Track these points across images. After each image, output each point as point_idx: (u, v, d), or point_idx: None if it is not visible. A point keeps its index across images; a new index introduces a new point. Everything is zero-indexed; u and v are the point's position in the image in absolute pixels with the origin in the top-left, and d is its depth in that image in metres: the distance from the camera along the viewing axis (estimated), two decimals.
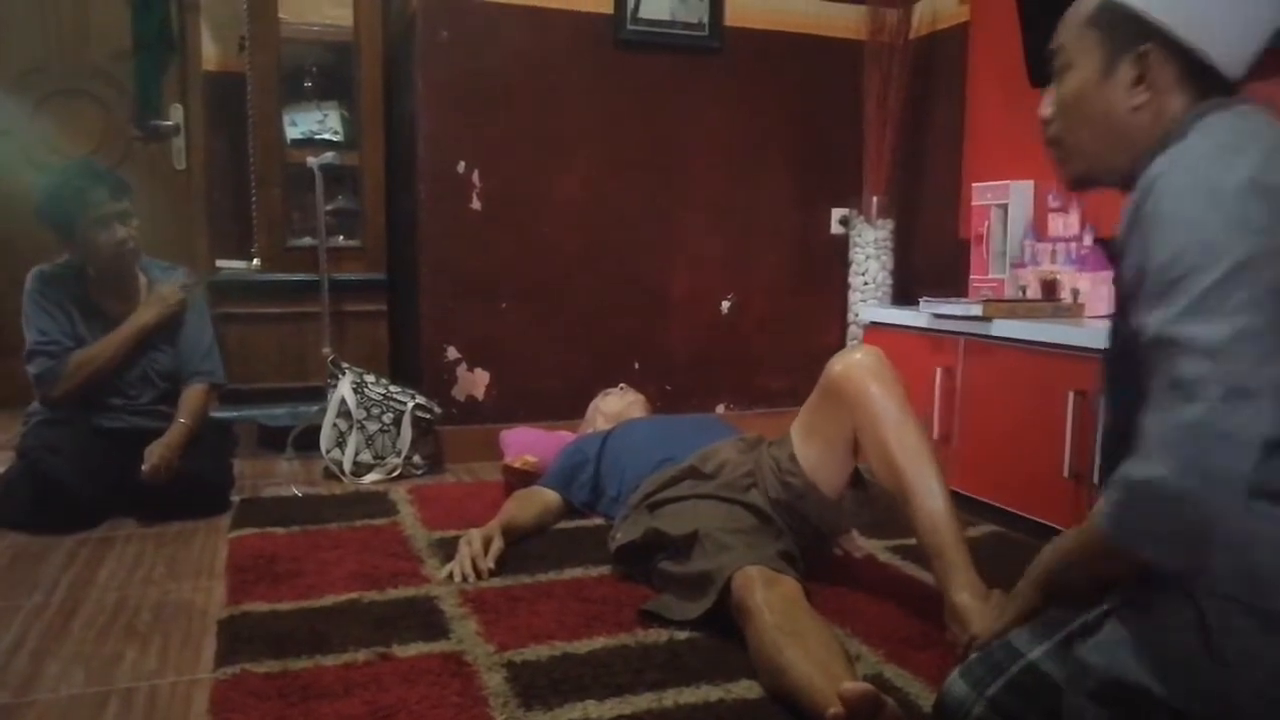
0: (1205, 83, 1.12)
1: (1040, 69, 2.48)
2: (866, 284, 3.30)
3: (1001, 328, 2.39)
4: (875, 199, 3.26)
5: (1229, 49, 1.11)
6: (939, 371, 2.58)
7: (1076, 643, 1.12)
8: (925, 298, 2.73)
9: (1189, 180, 1.01)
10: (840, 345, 3.38)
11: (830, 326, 3.47)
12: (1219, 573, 1.01)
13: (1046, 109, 1.24)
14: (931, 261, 3.33)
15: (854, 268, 3.34)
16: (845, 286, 3.38)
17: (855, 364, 1.79)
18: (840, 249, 3.43)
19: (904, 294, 3.31)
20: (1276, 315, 0.95)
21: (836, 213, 3.48)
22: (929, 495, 1.65)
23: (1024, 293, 2.69)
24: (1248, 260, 0.95)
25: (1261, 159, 1.00)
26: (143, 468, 2.36)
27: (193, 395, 2.57)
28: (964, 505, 2.46)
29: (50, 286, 2.46)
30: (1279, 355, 0.94)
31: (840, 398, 1.78)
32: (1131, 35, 1.13)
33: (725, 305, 3.40)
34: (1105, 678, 1.07)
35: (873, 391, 1.74)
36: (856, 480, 1.91)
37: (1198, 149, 1.04)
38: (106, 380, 2.47)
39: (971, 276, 2.87)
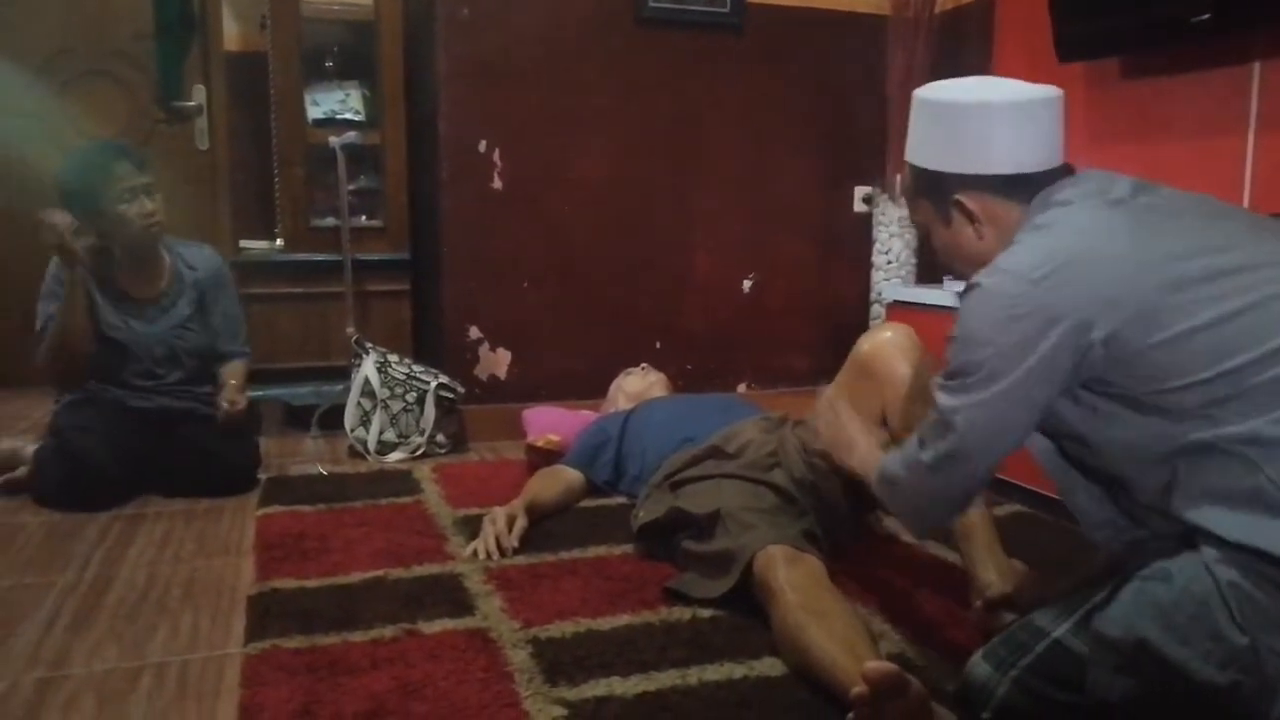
0: (1027, 188, 1.29)
1: (1068, 44, 2.45)
2: (890, 263, 3.28)
3: None
4: (899, 177, 3.22)
5: (1022, 158, 1.29)
6: None
7: (1096, 616, 1.15)
8: (949, 277, 2.71)
9: (973, 307, 1.24)
10: (863, 324, 3.36)
11: (853, 306, 3.45)
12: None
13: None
14: None
15: (877, 246, 3.32)
16: (868, 265, 3.36)
17: (885, 342, 1.78)
18: (864, 227, 3.41)
19: (928, 273, 3.28)
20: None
21: (860, 191, 3.45)
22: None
23: None
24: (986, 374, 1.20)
25: (1044, 275, 1.17)
26: (221, 409, 2.48)
27: (236, 367, 2.65)
28: (991, 485, 2.45)
29: None
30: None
31: (869, 376, 1.77)
32: (942, 190, 1.34)
33: (747, 284, 3.39)
34: (1126, 646, 1.09)
35: (902, 370, 1.73)
36: None
37: (985, 282, 1.22)
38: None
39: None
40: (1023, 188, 1.29)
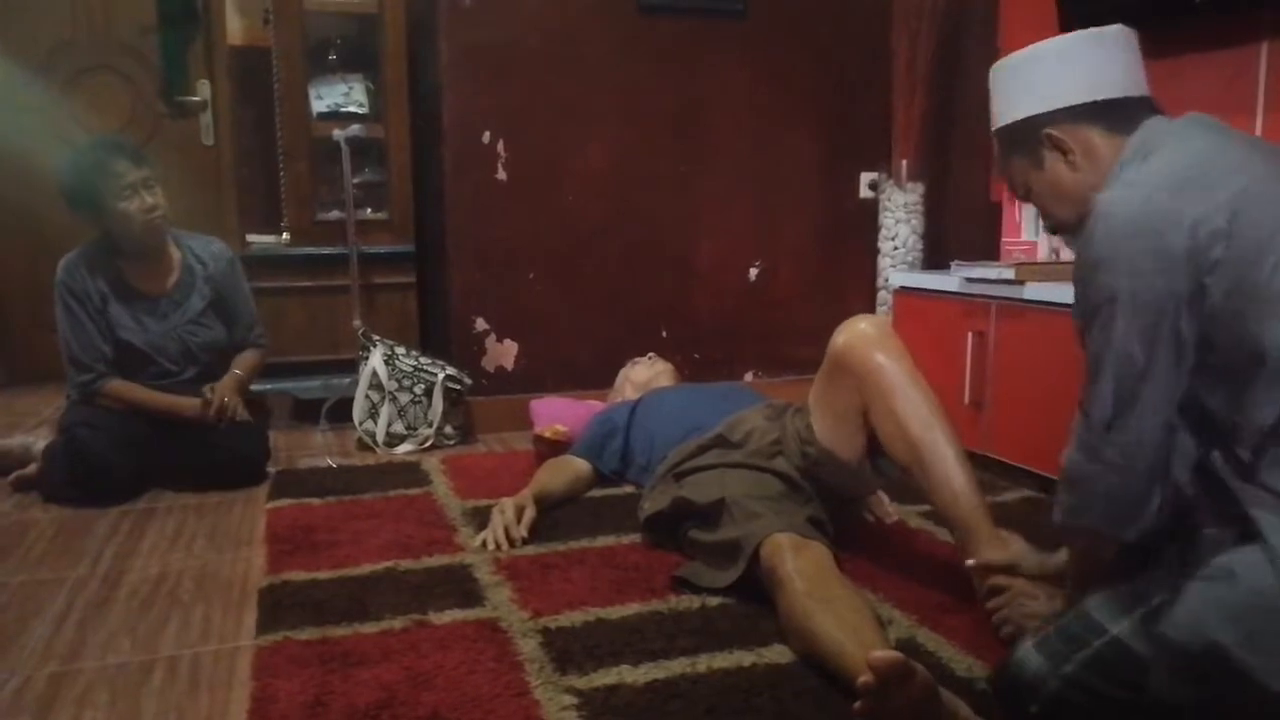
0: (1113, 115, 1.30)
1: (1073, 24, 2.43)
2: (896, 248, 3.27)
3: (1034, 291, 2.36)
4: (905, 162, 3.21)
5: (1102, 84, 1.31)
6: (971, 336, 2.56)
7: (1163, 619, 1.10)
8: (956, 261, 2.70)
9: (1095, 231, 1.19)
10: (870, 311, 3.35)
11: (860, 292, 3.45)
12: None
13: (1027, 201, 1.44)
14: (962, 225, 3.29)
15: (883, 232, 3.30)
16: (875, 251, 3.35)
17: (859, 335, 1.77)
18: (870, 213, 3.39)
19: (935, 258, 3.27)
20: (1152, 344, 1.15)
21: (865, 177, 3.44)
22: (946, 466, 1.63)
23: (1057, 255, 2.65)
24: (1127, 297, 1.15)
25: (1152, 195, 1.16)
26: (208, 403, 2.45)
27: (248, 356, 2.66)
28: (997, 470, 2.45)
29: (77, 276, 2.45)
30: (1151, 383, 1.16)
31: (846, 370, 1.76)
32: (1029, 136, 1.35)
33: (753, 272, 3.39)
34: (1193, 651, 1.05)
35: (879, 362, 1.72)
36: (875, 446, 1.90)
37: (1104, 202, 1.20)
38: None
39: (1003, 239, 2.83)
40: (1111, 115, 1.29)
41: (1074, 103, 1.31)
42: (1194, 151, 1.19)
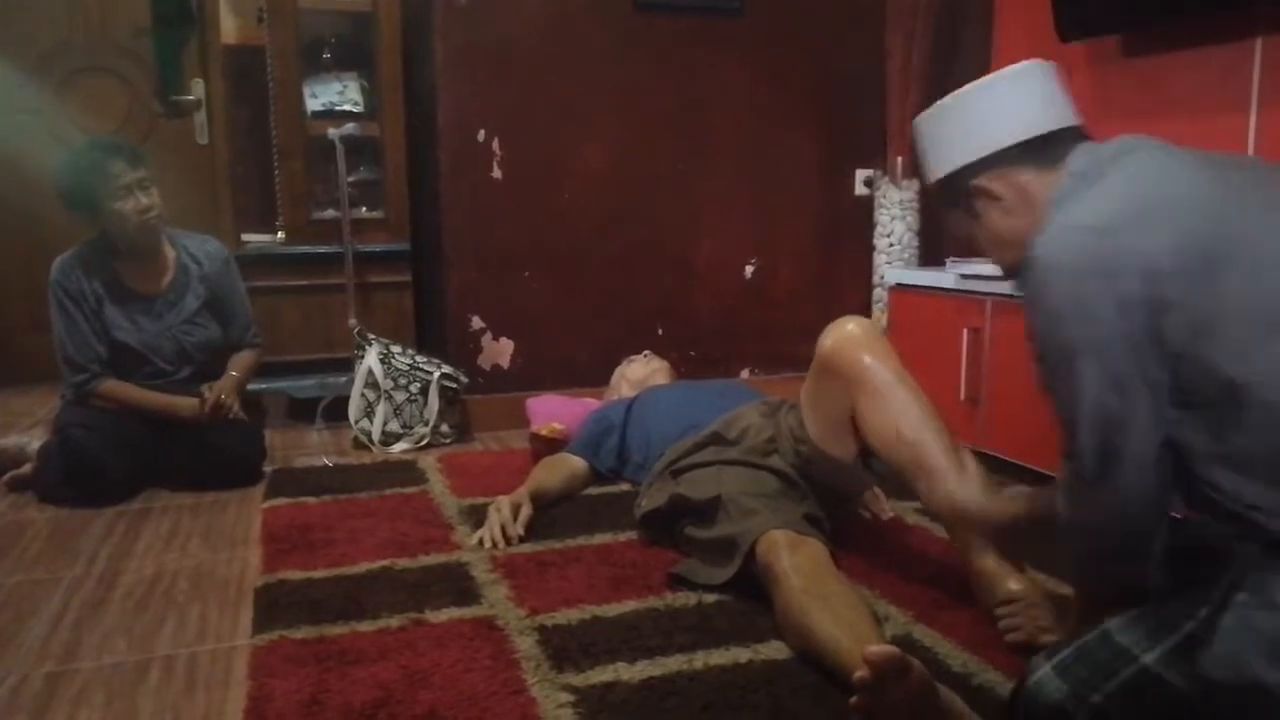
0: (1041, 152, 1.25)
1: (1069, 22, 2.43)
2: (892, 245, 3.27)
3: None
4: (900, 159, 3.21)
5: (1030, 121, 1.26)
6: (966, 332, 2.56)
7: (1201, 655, 1.02)
8: (952, 258, 2.70)
9: (1035, 284, 1.15)
10: (866, 308, 3.36)
11: (856, 289, 3.45)
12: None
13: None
14: None
15: (879, 229, 3.31)
16: (870, 249, 3.35)
17: (846, 336, 1.76)
18: (865, 211, 3.40)
19: (930, 255, 3.27)
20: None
21: (861, 174, 3.44)
22: (940, 466, 1.61)
23: None
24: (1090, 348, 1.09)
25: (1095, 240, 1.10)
26: (205, 400, 2.46)
27: (244, 356, 2.67)
28: (993, 466, 2.45)
29: (72, 277, 2.45)
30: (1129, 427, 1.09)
31: (834, 372, 1.75)
32: (959, 189, 1.31)
33: (749, 270, 3.39)
34: (1239, 688, 0.98)
35: (866, 363, 1.71)
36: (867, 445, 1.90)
37: (1040, 251, 1.15)
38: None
39: None
40: (1040, 153, 1.25)
41: (997, 148, 1.27)
42: (1133, 183, 1.14)
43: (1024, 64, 1.30)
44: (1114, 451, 1.10)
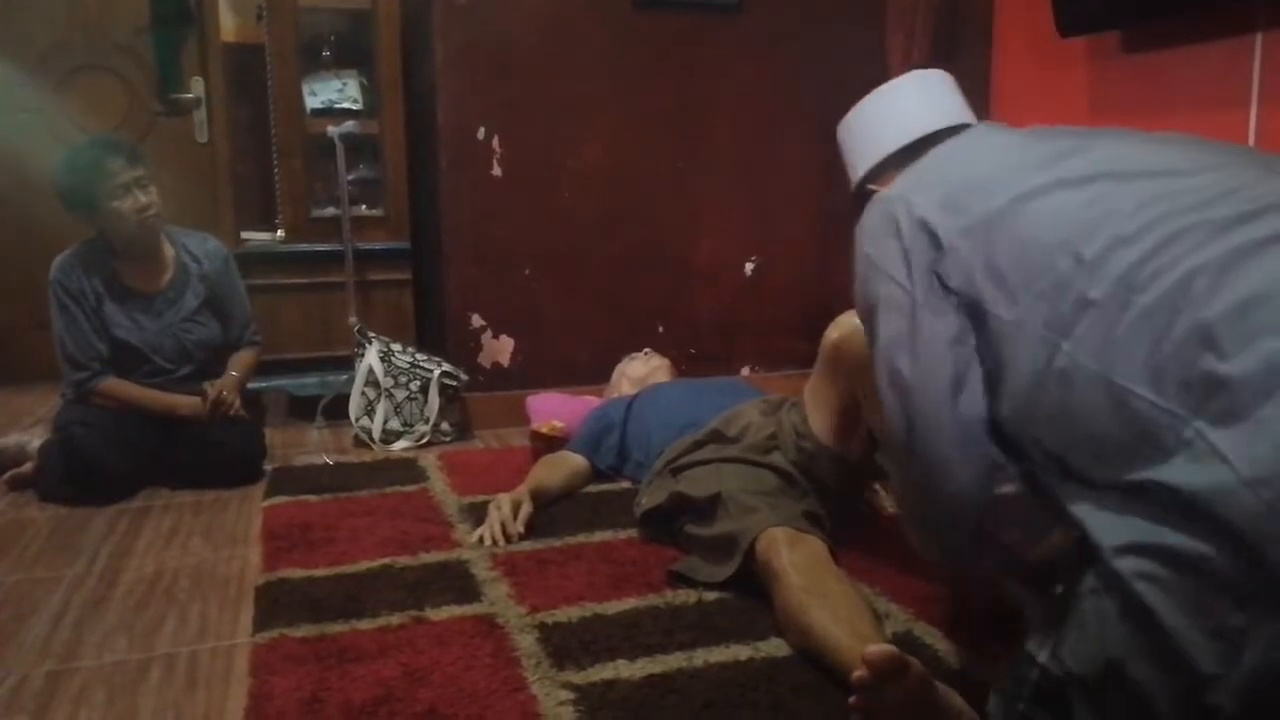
0: (918, 152, 1.29)
1: (1069, 18, 2.43)
2: None
3: None
4: None
5: (909, 125, 1.34)
6: None
7: (1065, 645, 0.98)
8: None
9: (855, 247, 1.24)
10: None
11: None
12: None
13: None
14: None
15: None
16: None
17: (853, 329, 1.76)
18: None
19: None
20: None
21: None
22: None
23: None
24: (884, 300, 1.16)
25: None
26: (207, 397, 2.47)
27: (244, 355, 2.68)
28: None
29: (72, 275, 2.45)
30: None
31: (840, 365, 1.76)
32: (863, 195, 1.37)
33: (749, 268, 3.38)
34: (1098, 672, 0.93)
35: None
36: (871, 439, 1.90)
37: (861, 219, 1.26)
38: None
39: None
40: (917, 153, 1.29)
41: (884, 155, 1.35)
42: (933, 158, 1.22)
43: (907, 74, 1.41)
44: (915, 412, 1.12)
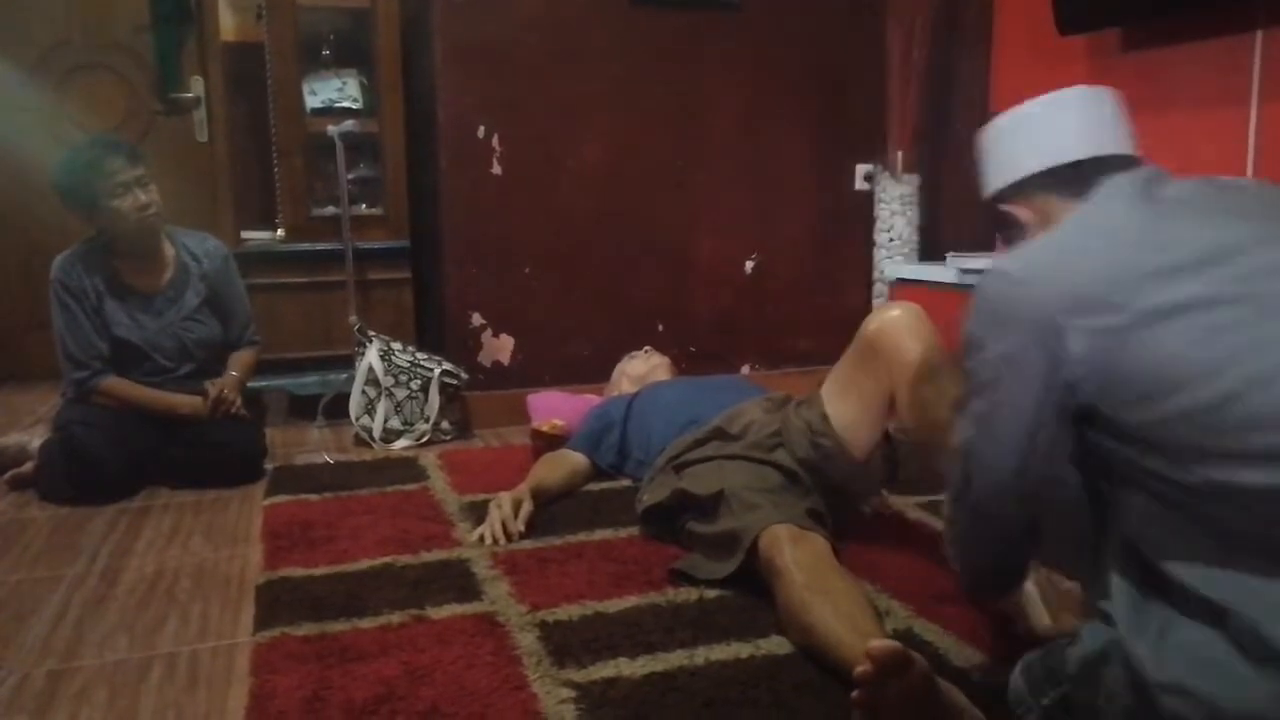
0: (1075, 177, 1.22)
1: (1068, 16, 2.43)
2: (892, 240, 3.27)
3: None
4: (900, 154, 3.21)
5: (1053, 148, 1.25)
6: None
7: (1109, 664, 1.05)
8: (953, 253, 2.70)
9: (971, 308, 1.19)
10: (866, 303, 3.36)
11: (856, 285, 3.44)
12: None
13: None
14: (959, 216, 3.29)
15: (879, 224, 3.30)
16: (871, 244, 3.35)
17: (892, 320, 1.76)
18: (865, 206, 3.39)
19: (931, 250, 3.27)
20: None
21: (861, 169, 3.44)
22: None
23: None
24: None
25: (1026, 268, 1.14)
26: (208, 396, 2.47)
27: (243, 355, 2.68)
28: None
29: (73, 274, 2.45)
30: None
31: (877, 355, 1.76)
32: (997, 209, 1.33)
33: (749, 265, 3.38)
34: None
35: (911, 348, 1.71)
36: (886, 440, 1.90)
37: (981, 281, 1.20)
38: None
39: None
40: (1071, 179, 1.22)
41: (1024, 174, 1.27)
42: (1063, 232, 1.15)
43: (1070, 89, 1.29)
44: (974, 475, 1.17)
